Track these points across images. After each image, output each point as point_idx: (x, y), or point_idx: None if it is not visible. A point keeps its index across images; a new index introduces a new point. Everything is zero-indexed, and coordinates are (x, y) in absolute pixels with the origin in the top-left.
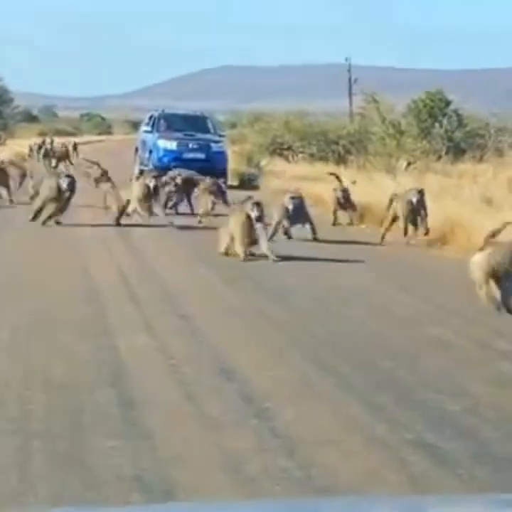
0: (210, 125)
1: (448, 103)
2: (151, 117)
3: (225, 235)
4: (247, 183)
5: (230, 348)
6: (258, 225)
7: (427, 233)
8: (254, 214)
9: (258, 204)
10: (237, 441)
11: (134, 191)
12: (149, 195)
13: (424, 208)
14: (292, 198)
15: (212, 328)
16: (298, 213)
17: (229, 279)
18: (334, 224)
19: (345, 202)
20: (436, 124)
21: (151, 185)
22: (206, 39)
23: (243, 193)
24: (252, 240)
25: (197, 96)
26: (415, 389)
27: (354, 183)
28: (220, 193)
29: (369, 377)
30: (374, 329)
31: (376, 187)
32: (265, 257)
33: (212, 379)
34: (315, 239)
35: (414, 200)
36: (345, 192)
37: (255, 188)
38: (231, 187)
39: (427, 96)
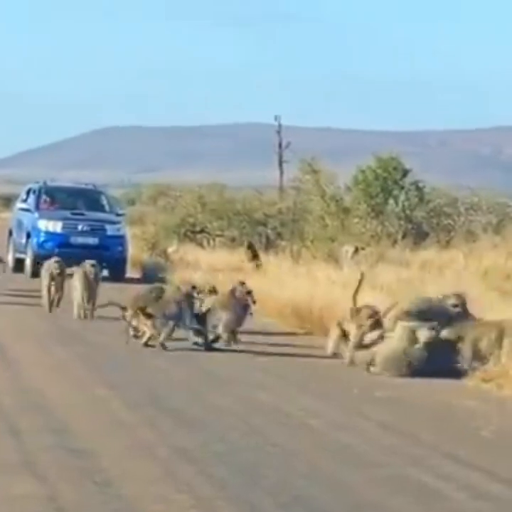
0: (104, 201)
1: (405, 173)
2: (29, 191)
3: None
4: (151, 275)
5: (142, 495)
6: None
7: None
8: None
9: None
10: None
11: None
12: None
13: None
14: None
15: (118, 469)
16: None
17: (133, 401)
18: None
19: None
20: (391, 200)
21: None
22: (90, 95)
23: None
24: None
25: (85, 164)
26: None
27: None
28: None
29: None
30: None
31: (314, 280)
32: None
33: None
34: None
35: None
36: None
37: (161, 281)
38: (131, 280)
39: (378, 164)
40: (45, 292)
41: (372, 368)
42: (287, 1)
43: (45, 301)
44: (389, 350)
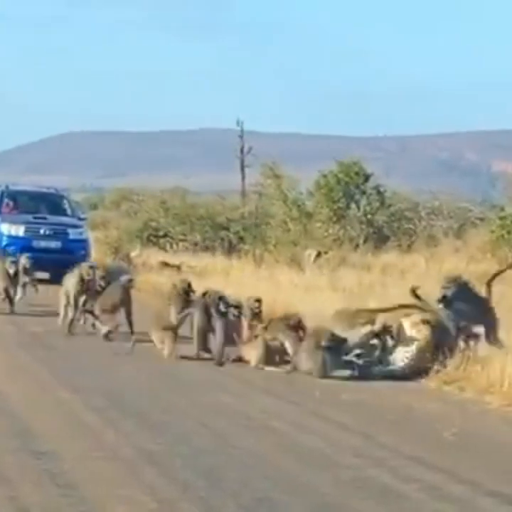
0: (66, 205)
1: (367, 178)
2: None
3: None
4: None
5: (106, 497)
6: None
7: None
8: None
9: None
10: None
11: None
12: None
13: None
14: None
15: (81, 471)
16: None
17: (96, 404)
18: None
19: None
20: (353, 205)
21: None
22: (53, 99)
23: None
24: None
25: (46, 169)
26: None
27: None
28: None
29: None
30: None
31: (276, 284)
32: None
33: None
34: None
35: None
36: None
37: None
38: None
39: (340, 169)
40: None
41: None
42: (249, 8)
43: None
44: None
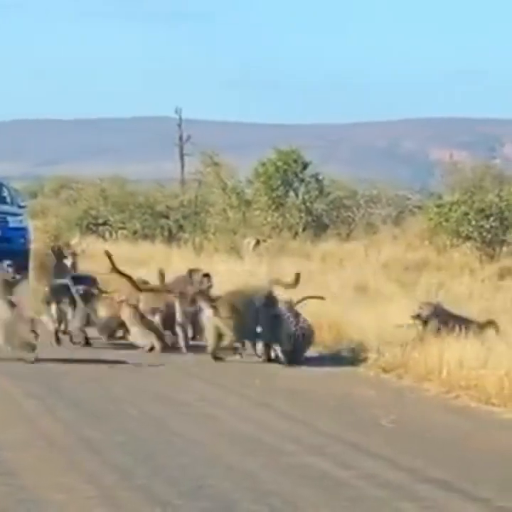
0: (6, 193)
1: (305, 166)
2: None
3: None
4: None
5: (46, 486)
6: None
7: None
8: None
9: None
10: None
11: None
12: None
13: None
14: None
15: (22, 460)
16: None
17: (36, 393)
18: None
19: None
20: (292, 193)
21: None
22: None
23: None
24: None
25: None
26: None
27: None
28: None
29: None
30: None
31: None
32: None
33: None
34: None
35: None
36: None
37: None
38: None
39: (278, 156)
40: None
41: None
42: None
43: None
44: None
